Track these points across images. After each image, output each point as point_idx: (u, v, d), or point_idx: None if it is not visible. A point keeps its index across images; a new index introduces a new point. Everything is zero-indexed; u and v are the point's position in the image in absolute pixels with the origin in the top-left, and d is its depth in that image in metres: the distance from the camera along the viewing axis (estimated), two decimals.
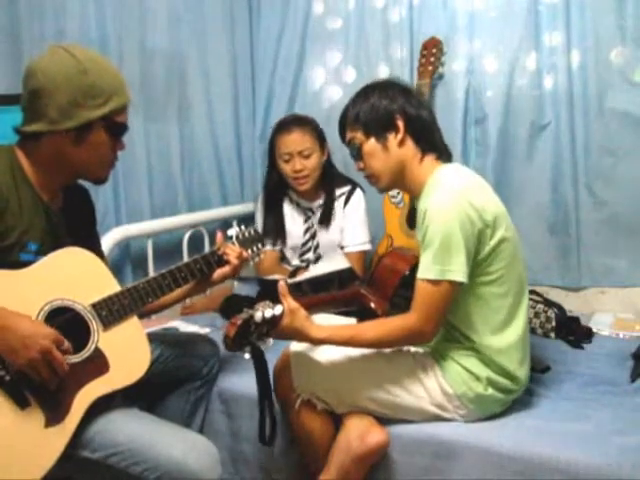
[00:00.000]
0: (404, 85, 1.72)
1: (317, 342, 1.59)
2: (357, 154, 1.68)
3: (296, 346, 1.71)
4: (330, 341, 1.58)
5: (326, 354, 1.67)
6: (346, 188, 2.51)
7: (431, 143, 1.66)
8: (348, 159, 2.64)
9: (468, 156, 2.67)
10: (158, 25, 2.62)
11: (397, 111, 1.62)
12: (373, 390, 1.62)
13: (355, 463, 1.60)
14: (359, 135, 1.65)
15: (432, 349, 1.67)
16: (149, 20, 2.58)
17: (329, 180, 2.51)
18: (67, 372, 1.33)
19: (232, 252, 1.72)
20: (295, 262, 2.56)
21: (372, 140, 1.64)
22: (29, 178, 1.46)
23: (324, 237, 2.51)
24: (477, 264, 1.55)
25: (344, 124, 1.71)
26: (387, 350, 1.66)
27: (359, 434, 1.61)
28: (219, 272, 1.71)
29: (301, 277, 2.29)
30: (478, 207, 1.52)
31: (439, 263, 1.49)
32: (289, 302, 1.54)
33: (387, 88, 1.67)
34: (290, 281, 2.22)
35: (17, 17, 2.08)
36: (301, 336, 1.56)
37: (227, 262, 1.71)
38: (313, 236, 2.53)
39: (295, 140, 2.41)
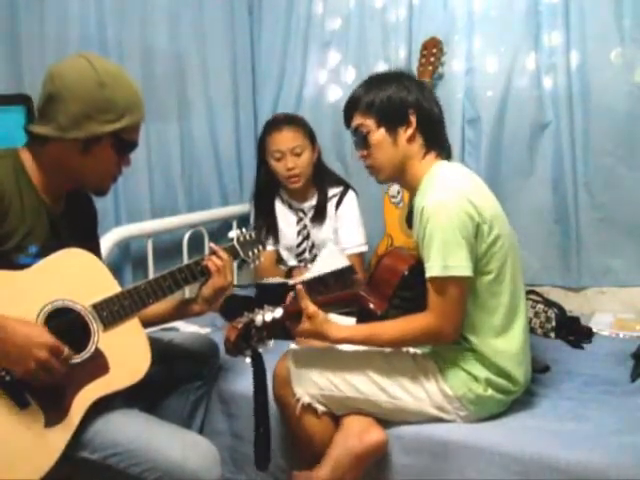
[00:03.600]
0: (418, 79, 1.71)
1: (337, 342, 1.61)
2: (363, 142, 1.64)
3: (295, 351, 1.71)
4: (350, 340, 1.60)
5: (325, 357, 1.68)
6: (338, 189, 2.50)
7: (437, 140, 1.65)
8: (347, 159, 2.67)
9: (467, 155, 2.66)
10: (158, 25, 2.62)
11: (412, 105, 1.60)
12: (373, 393, 1.62)
13: (352, 461, 1.59)
14: (369, 123, 1.62)
15: (432, 351, 1.67)
16: (149, 20, 2.58)
17: (320, 179, 2.50)
18: (67, 373, 1.33)
19: (212, 265, 1.64)
20: (292, 263, 2.56)
21: (382, 131, 1.61)
22: (33, 181, 1.46)
23: (318, 237, 2.51)
24: (475, 262, 1.54)
25: (353, 109, 1.66)
26: (387, 352, 1.66)
27: (358, 432, 1.61)
28: (209, 284, 1.67)
29: (302, 278, 2.29)
30: (476, 203, 1.52)
31: (441, 260, 1.49)
32: (308, 307, 1.55)
33: (403, 79, 1.64)
34: (291, 282, 2.22)
35: (17, 17, 2.08)
36: (321, 337, 1.58)
37: (208, 271, 1.65)
38: (307, 237, 2.53)
39: (287, 138, 2.40)
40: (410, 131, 1.60)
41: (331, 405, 1.65)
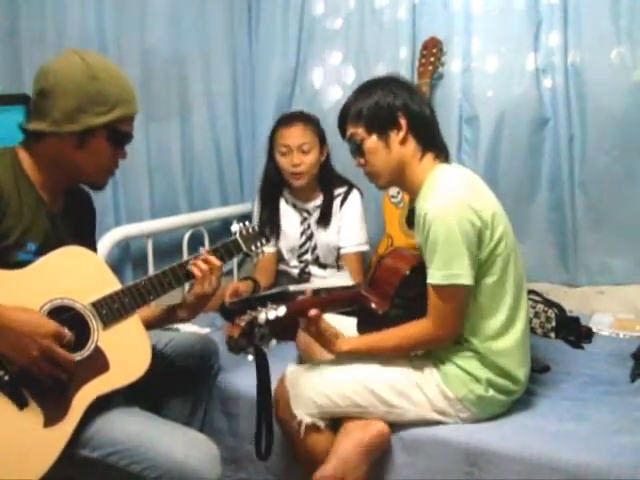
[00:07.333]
0: (407, 82, 1.72)
1: (343, 353, 1.63)
2: (358, 150, 1.67)
3: (291, 372, 1.70)
4: (355, 351, 1.63)
5: (322, 375, 1.66)
6: (342, 189, 2.50)
7: (432, 141, 1.66)
8: (347, 160, 2.66)
9: (464, 154, 2.67)
10: (158, 25, 2.62)
11: (400, 108, 1.62)
12: (373, 405, 1.62)
13: (358, 451, 1.58)
14: (360, 131, 1.65)
15: (430, 354, 1.66)
16: (149, 20, 2.58)
17: (326, 181, 2.49)
18: (72, 366, 1.34)
19: (197, 270, 1.59)
20: (294, 263, 2.56)
21: (374, 137, 1.63)
22: (31, 178, 1.47)
23: (321, 238, 2.50)
24: (477, 266, 1.55)
25: (345, 119, 1.69)
26: (385, 359, 1.65)
27: (360, 426, 1.61)
28: (192, 291, 1.64)
29: (306, 286, 2.27)
30: (477, 209, 1.53)
31: (443, 268, 1.51)
32: (322, 321, 1.60)
33: (390, 84, 1.66)
34: (293, 288, 2.21)
35: (17, 17, 2.09)
36: (328, 349, 1.64)
37: (193, 276, 1.60)
38: (310, 237, 2.52)
39: (295, 133, 2.39)
40: (402, 134, 1.62)
41: (332, 418, 1.65)
